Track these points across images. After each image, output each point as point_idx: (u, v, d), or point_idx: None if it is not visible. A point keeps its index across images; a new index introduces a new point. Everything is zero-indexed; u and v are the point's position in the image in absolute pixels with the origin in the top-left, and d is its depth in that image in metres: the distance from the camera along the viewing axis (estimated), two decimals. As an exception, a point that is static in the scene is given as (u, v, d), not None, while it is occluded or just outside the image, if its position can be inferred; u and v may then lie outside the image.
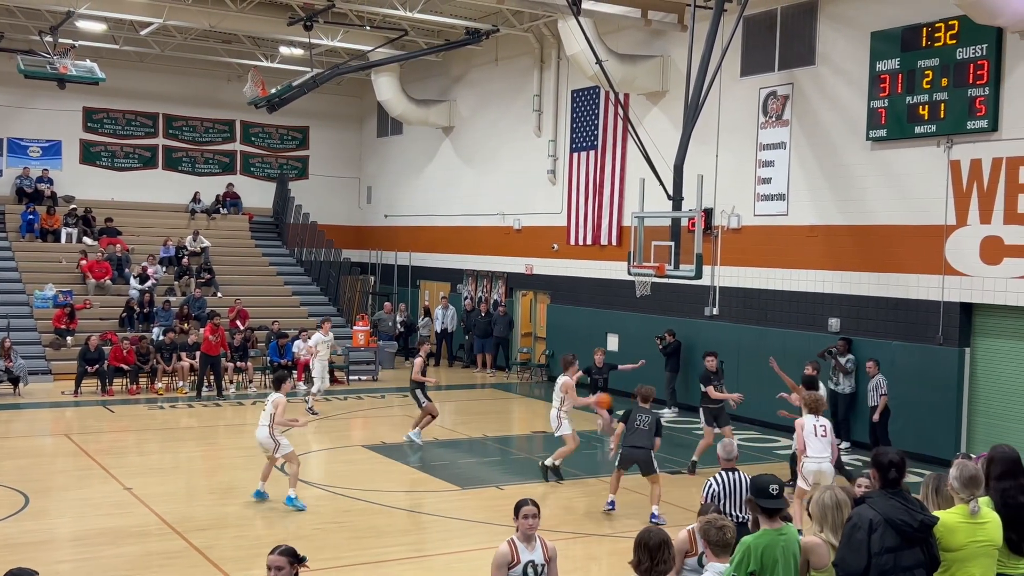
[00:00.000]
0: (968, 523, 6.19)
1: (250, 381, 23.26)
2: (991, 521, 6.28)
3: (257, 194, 32.93)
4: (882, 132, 17.38)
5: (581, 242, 24.38)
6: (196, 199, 31.42)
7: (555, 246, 25.20)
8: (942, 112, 16.42)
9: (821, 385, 15.05)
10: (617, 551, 10.96)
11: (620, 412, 13.98)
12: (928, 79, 16.60)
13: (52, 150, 30.41)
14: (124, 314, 25.09)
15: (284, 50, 28.43)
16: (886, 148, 17.52)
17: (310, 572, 8.36)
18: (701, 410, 15.68)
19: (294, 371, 22.65)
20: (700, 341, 20.58)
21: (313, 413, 19.59)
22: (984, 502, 6.33)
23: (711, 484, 9.14)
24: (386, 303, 29.43)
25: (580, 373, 15.60)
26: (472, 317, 27.10)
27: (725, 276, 20.53)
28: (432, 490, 14.36)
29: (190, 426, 19.19)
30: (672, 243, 17.21)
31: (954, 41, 16.24)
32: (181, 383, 22.56)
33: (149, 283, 26.60)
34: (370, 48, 26.87)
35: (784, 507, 6.41)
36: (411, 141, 31.29)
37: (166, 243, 28.68)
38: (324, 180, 33.94)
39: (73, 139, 30.66)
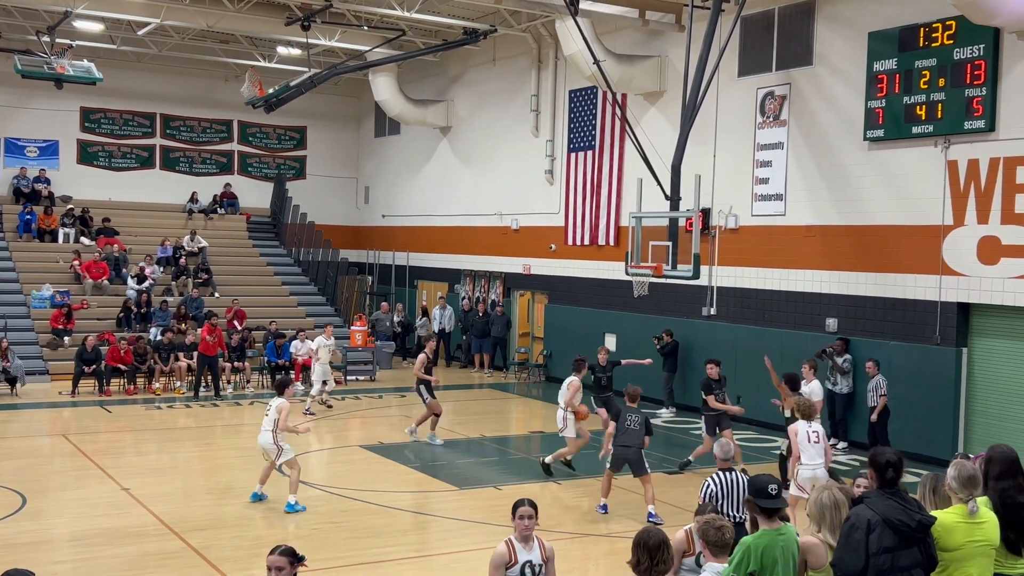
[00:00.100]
0: (966, 523, 6.19)
1: (247, 381, 23.26)
2: (989, 521, 6.28)
3: (254, 194, 32.90)
4: (879, 132, 17.39)
5: (579, 242, 24.37)
6: (193, 199, 31.38)
7: (553, 246, 25.18)
8: (939, 112, 16.42)
9: (817, 384, 15.02)
10: (615, 551, 10.97)
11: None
12: (925, 79, 16.60)
13: (49, 150, 30.38)
14: (121, 314, 25.08)
15: (282, 50, 28.40)
16: (883, 148, 17.53)
17: (309, 572, 8.36)
18: (703, 418, 15.70)
19: (291, 372, 22.65)
20: (698, 341, 20.61)
21: (310, 414, 19.59)
22: (982, 502, 6.32)
23: (709, 484, 9.14)
24: (383, 303, 29.42)
25: (586, 371, 15.79)
26: (470, 317, 27.08)
27: (723, 276, 20.53)
28: (430, 490, 14.35)
29: (187, 426, 19.17)
30: (670, 243, 17.20)
31: (951, 41, 16.25)
32: (178, 383, 22.53)
33: (146, 283, 26.57)
34: (368, 48, 26.84)
35: (783, 507, 6.41)
36: (409, 141, 31.27)
37: (163, 243, 28.66)
38: (322, 180, 33.92)
39: (70, 139, 30.62)
